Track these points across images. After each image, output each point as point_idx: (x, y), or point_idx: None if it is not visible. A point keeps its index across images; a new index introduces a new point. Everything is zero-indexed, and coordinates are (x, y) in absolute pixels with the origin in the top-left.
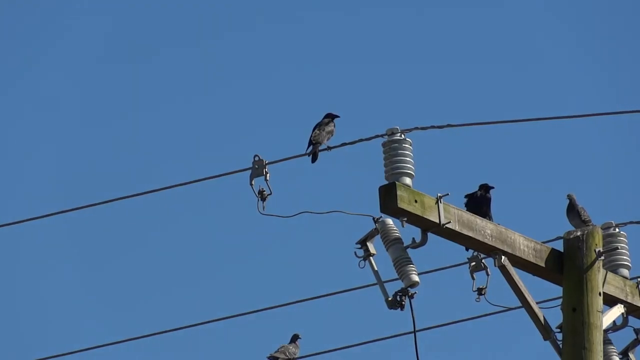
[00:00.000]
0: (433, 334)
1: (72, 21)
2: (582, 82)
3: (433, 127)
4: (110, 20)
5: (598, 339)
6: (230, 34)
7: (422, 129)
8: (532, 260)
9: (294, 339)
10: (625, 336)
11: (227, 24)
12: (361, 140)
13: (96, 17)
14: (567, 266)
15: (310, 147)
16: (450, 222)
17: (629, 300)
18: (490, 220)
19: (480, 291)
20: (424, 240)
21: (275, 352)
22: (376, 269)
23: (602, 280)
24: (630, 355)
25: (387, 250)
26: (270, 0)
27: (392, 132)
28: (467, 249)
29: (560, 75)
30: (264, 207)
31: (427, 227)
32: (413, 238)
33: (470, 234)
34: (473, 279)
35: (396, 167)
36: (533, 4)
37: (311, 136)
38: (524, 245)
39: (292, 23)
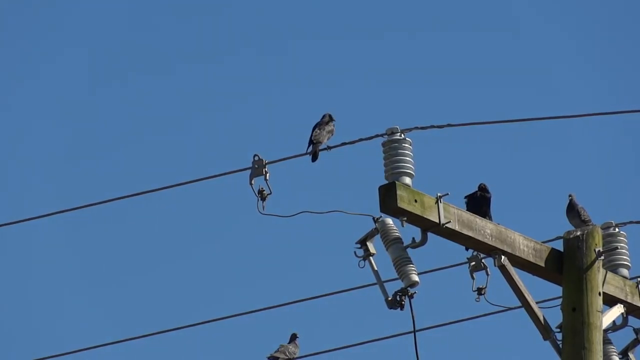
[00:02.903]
0: (433, 334)
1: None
2: (582, 82)
3: (433, 127)
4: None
5: (598, 338)
6: (229, 39)
7: (422, 128)
8: (532, 260)
9: (293, 338)
10: (625, 336)
11: (227, 39)
12: (361, 140)
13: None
14: (567, 266)
15: (311, 147)
16: (450, 221)
17: (628, 300)
18: (490, 220)
19: (480, 291)
20: (423, 240)
21: (275, 352)
22: (376, 268)
23: (601, 280)
24: (630, 355)
25: (387, 250)
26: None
27: (392, 132)
28: (467, 249)
29: (560, 75)
30: (263, 207)
31: (427, 226)
32: (413, 238)
33: (470, 233)
34: (473, 278)
35: (396, 166)
36: (532, 5)
37: (311, 136)
38: (524, 245)
39: (292, 23)
